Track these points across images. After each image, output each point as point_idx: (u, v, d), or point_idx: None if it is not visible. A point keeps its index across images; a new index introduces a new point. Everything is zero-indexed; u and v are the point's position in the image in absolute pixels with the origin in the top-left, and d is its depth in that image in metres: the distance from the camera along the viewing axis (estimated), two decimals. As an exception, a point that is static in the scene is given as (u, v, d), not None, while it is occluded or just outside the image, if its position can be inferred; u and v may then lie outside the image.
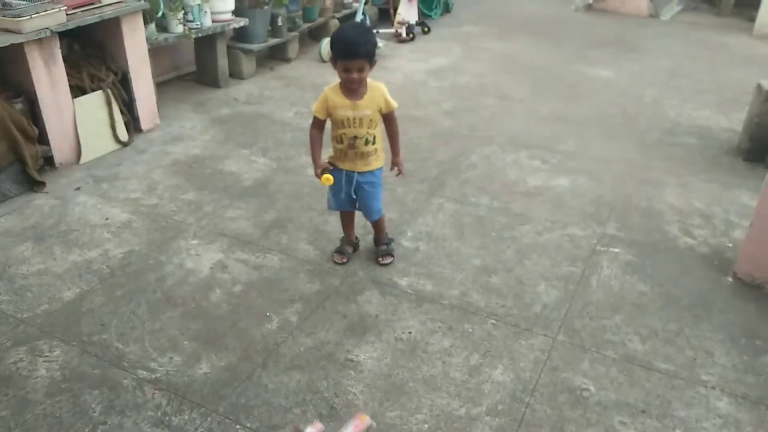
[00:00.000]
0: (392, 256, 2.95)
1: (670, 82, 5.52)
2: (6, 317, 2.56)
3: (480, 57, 6.19)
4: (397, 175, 2.86)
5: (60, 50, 3.59)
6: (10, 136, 3.35)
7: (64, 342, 2.43)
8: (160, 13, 4.47)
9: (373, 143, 2.70)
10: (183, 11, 4.58)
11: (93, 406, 2.15)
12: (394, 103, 2.70)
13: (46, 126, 3.62)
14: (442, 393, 2.23)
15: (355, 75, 2.51)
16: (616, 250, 3.08)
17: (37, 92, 3.52)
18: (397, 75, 5.62)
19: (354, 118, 2.62)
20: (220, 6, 4.87)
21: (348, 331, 2.52)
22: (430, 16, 7.55)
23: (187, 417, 2.12)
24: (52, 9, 3.41)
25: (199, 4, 4.63)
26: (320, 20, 6.22)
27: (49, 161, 3.74)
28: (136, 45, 4.07)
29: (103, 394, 2.20)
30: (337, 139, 2.69)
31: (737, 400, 2.23)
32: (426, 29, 6.93)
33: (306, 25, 6.01)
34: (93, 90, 3.89)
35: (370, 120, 2.65)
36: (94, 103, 3.89)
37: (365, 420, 2.01)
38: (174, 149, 4.11)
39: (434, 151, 4.11)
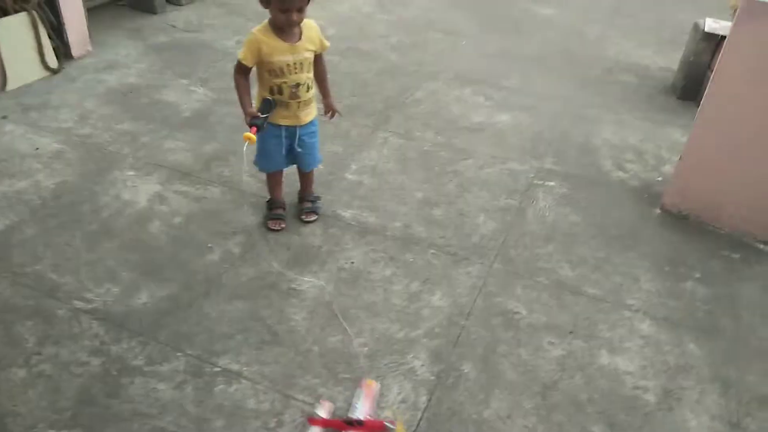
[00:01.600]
0: (317, 214, 2.77)
1: (613, 21, 5.58)
2: (-70, 249, 2.45)
3: (428, -10, 6.07)
4: (331, 117, 2.68)
5: (-25, -35, 3.32)
6: (-77, 58, 3.11)
7: (-5, 273, 2.37)
8: (86, -70, 4.15)
9: (312, 89, 2.48)
10: (112, -72, 4.27)
11: (26, 336, 2.12)
12: (327, 43, 2.50)
13: (-36, 49, 3.38)
14: (383, 318, 2.30)
15: (294, 16, 2.25)
16: (552, 183, 3.18)
17: (-48, 11, 3.26)
18: (343, 6, 5.45)
19: (294, 63, 2.36)
20: (153, -76, 4.57)
21: (291, 262, 2.54)
22: (379, -54, 7.30)
23: (126, 345, 2.12)
24: None
25: None
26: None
27: (-31, 88, 3.51)
28: (61, -37, 3.79)
29: (37, 324, 2.17)
30: (275, 91, 2.40)
31: (658, 322, 2.39)
32: (374, -41, 6.70)
33: (247, -50, 5.71)
34: (16, 11, 3.62)
35: (309, 63, 2.42)
36: (18, 25, 3.63)
37: (372, 385, 1.98)
38: (108, 77, 3.91)
39: (381, 86, 4.07)
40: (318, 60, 2.51)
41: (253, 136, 2.25)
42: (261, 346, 2.15)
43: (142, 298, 2.32)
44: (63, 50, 3.98)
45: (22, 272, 2.38)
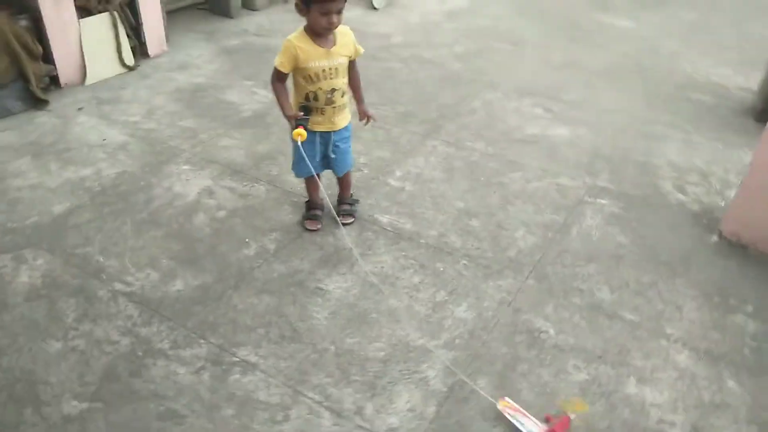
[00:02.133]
0: (354, 217, 2.79)
1: (692, 36, 5.30)
2: (-3, 226, 2.68)
3: (499, 0, 6.00)
4: (366, 123, 2.66)
5: (65, -31, 3.60)
6: (13, 52, 3.40)
7: (49, 252, 2.54)
8: (170, -63, 4.41)
9: (346, 94, 2.50)
10: (195, -64, 4.52)
11: (68, 312, 2.27)
12: (361, 49, 2.51)
13: (51, 45, 3.67)
14: (403, 325, 2.29)
15: (335, 18, 2.28)
16: (604, 201, 3.05)
17: (42, 10, 3.54)
18: (413, 14, 5.50)
19: (330, 69, 2.38)
20: (233, -68, 4.79)
21: (322, 262, 2.58)
22: (457, -45, 7.29)
23: (155, 329, 2.22)
24: (56, -75, 3.39)
25: (211, -71, 4.56)
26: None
27: (54, 81, 3.80)
28: (143, -32, 4.05)
29: (79, 302, 2.31)
30: (310, 97, 2.42)
31: (698, 354, 2.24)
32: (450, -31, 6.71)
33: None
34: (100, 12, 3.91)
35: (345, 68, 2.45)
36: (100, 24, 3.91)
37: (507, 403, 1.97)
38: (178, 76, 4.13)
39: (438, 94, 4.05)
40: (352, 66, 2.52)
41: (304, 132, 2.29)
42: (280, 341, 2.19)
43: (178, 285, 2.42)
44: (140, 49, 4.25)
45: (74, 253, 2.55)
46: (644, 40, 5.22)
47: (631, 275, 2.59)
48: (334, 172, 2.73)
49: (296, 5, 2.32)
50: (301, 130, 2.29)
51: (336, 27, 2.33)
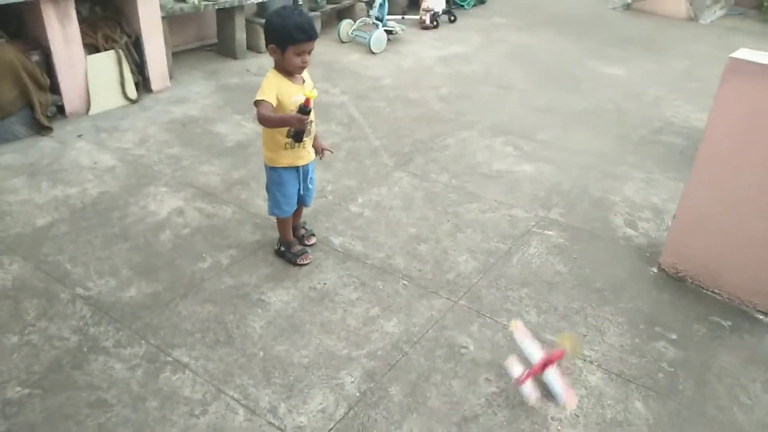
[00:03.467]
0: (314, 236, 2.99)
1: (680, 84, 5.43)
2: (-17, 234, 2.95)
3: (497, 48, 6.27)
4: (321, 158, 2.82)
5: (75, 10, 3.98)
6: (22, 83, 3.76)
7: (24, 259, 2.79)
8: (179, -16, 4.82)
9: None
10: (202, -16, 4.92)
11: (29, 311, 2.49)
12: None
13: (59, 78, 4.03)
14: (332, 336, 2.44)
15: (307, 58, 2.47)
16: (551, 232, 3.17)
17: (51, 47, 3.92)
18: (408, 59, 5.79)
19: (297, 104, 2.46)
20: (239, -19, 5.19)
21: (269, 277, 2.76)
22: (462, 6, 7.65)
23: (102, 329, 2.42)
24: (67, -28, 3.80)
25: (217, -22, 4.96)
26: (346, 2, 6.45)
27: (61, 110, 4.15)
28: (149, 12, 4.43)
29: (41, 303, 2.54)
30: (290, 133, 2.55)
31: (610, 376, 2.32)
32: (452, 18, 7.05)
33: (330, 7, 6.26)
34: (106, 49, 4.28)
35: None
36: (106, 61, 4.28)
37: (518, 324, 2.40)
38: (175, 109, 4.45)
39: (414, 131, 4.27)
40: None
41: (314, 94, 2.39)
42: (214, 345, 2.37)
43: (131, 292, 2.63)
44: (144, 84, 4.60)
45: (45, 260, 2.80)
46: (631, 86, 5.38)
47: (561, 301, 2.70)
48: (304, 204, 2.88)
49: (270, 48, 2.48)
50: (309, 93, 2.37)
51: (307, 66, 2.52)
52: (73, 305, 2.54)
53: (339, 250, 2.96)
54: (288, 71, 2.54)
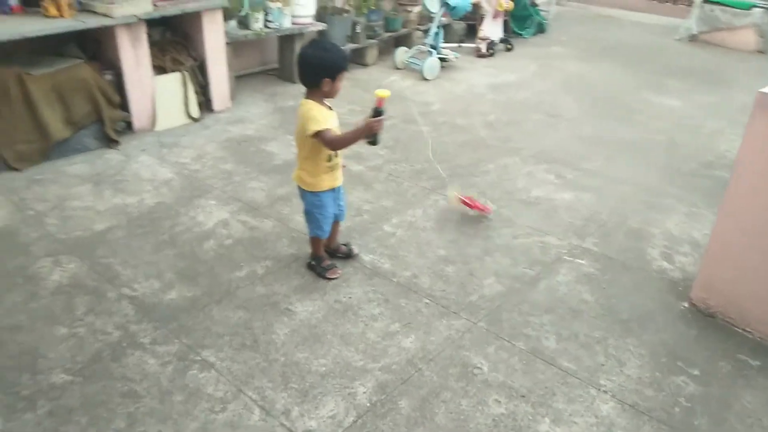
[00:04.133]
0: (354, 250, 3.14)
1: (740, 118, 5.23)
2: (49, 235, 3.24)
3: (551, 76, 6.28)
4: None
5: (147, 35, 4.34)
6: (95, 100, 4.12)
7: (80, 259, 3.06)
8: (243, 13, 5.15)
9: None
10: (265, 12, 5.23)
11: (80, 306, 2.73)
12: None
13: (129, 96, 4.38)
14: (351, 347, 2.54)
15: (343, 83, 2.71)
16: (581, 261, 3.17)
17: (123, 68, 4.28)
18: (460, 86, 5.89)
19: (337, 126, 2.73)
20: (300, 10, 5.47)
21: (299, 288, 2.90)
22: (521, 34, 7.71)
23: (142, 327, 2.62)
24: (141, 0, 4.15)
25: (279, 7, 5.26)
26: (403, 30, 6.65)
27: (129, 125, 4.50)
28: (214, 37, 4.75)
29: (91, 300, 2.78)
30: (332, 157, 2.75)
31: (624, 407, 2.30)
32: (509, 47, 7.11)
33: (387, 34, 6.47)
34: (173, 71, 4.62)
35: None
36: (172, 82, 4.61)
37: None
38: (233, 129, 4.73)
39: (457, 156, 4.36)
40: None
41: (386, 93, 2.58)
42: (240, 348, 2.52)
43: (172, 295, 2.83)
44: (206, 104, 4.92)
45: (99, 261, 3.05)
46: (687, 118, 5.27)
47: (583, 329, 2.69)
48: (339, 220, 3.04)
49: (324, 82, 2.61)
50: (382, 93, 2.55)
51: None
52: (119, 303, 2.76)
53: (368, 266, 3.08)
54: (326, 98, 2.72)
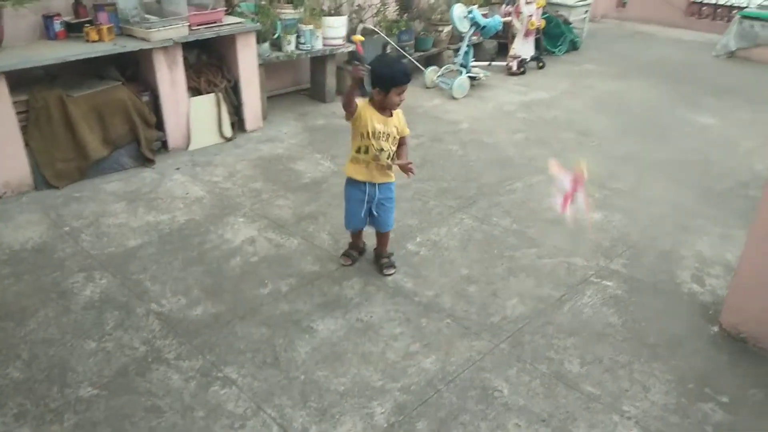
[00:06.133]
0: (395, 267, 3.19)
1: (779, 135, 5.12)
2: (83, 251, 3.36)
3: (583, 94, 6.22)
4: (408, 174, 2.98)
5: (183, 57, 4.48)
6: (132, 120, 4.27)
7: (112, 275, 3.15)
8: (276, 35, 5.27)
9: (392, 160, 2.98)
10: (297, 34, 5.34)
11: (109, 321, 2.81)
12: (407, 130, 3.02)
13: (164, 117, 4.52)
14: (371, 367, 2.55)
15: (404, 96, 2.90)
16: (608, 283, 3.11)
17: (160, 89, 4.43)
18: (489, 104, 5.89)
19: (383, 132, 2.91)
20: (331, 32, 5.56)
21: (321, 306, 2.93)
22: (554, 52, 7.67)
23: (167, 342, 2.68)
24: (177, 24, 4.30)
25: (311, 30, 5.36)
26: (433, 50, 6.69)
27: (164, 145, 4.64)
28: (248, 59, 4.87)
29: (120, 315, 2.86)
30: (363, 150, 2.94)
31: (648, 433, 2.25)
32: (541, 64, 7.08)
33: (417, 54, 6.52)
34: (208, 93, 4.75)
35: (394, 138, 2.96)
36: (207, 103, 4.74)
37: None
38: (264, 147, 4.82)
39: (483, 174, 4.35)
40: (401, 141, 3.03)
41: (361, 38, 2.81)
42: (261, 365, 2.55)
43: (198, 311, 2.89)
44: (239, 124, 5.04)
45: (130, 277, 3.14)
46: (722, 137, 5.14)
47: (608, 353, 2.64)
48: (376, 228, 3.16)
49: (374, 91, 2.87)
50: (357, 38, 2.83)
51: (403, 102, 2.90)
52: (147, 319, 2.83)
53: (390, 285, 3.09)
54: (383, 107, 2.91)
